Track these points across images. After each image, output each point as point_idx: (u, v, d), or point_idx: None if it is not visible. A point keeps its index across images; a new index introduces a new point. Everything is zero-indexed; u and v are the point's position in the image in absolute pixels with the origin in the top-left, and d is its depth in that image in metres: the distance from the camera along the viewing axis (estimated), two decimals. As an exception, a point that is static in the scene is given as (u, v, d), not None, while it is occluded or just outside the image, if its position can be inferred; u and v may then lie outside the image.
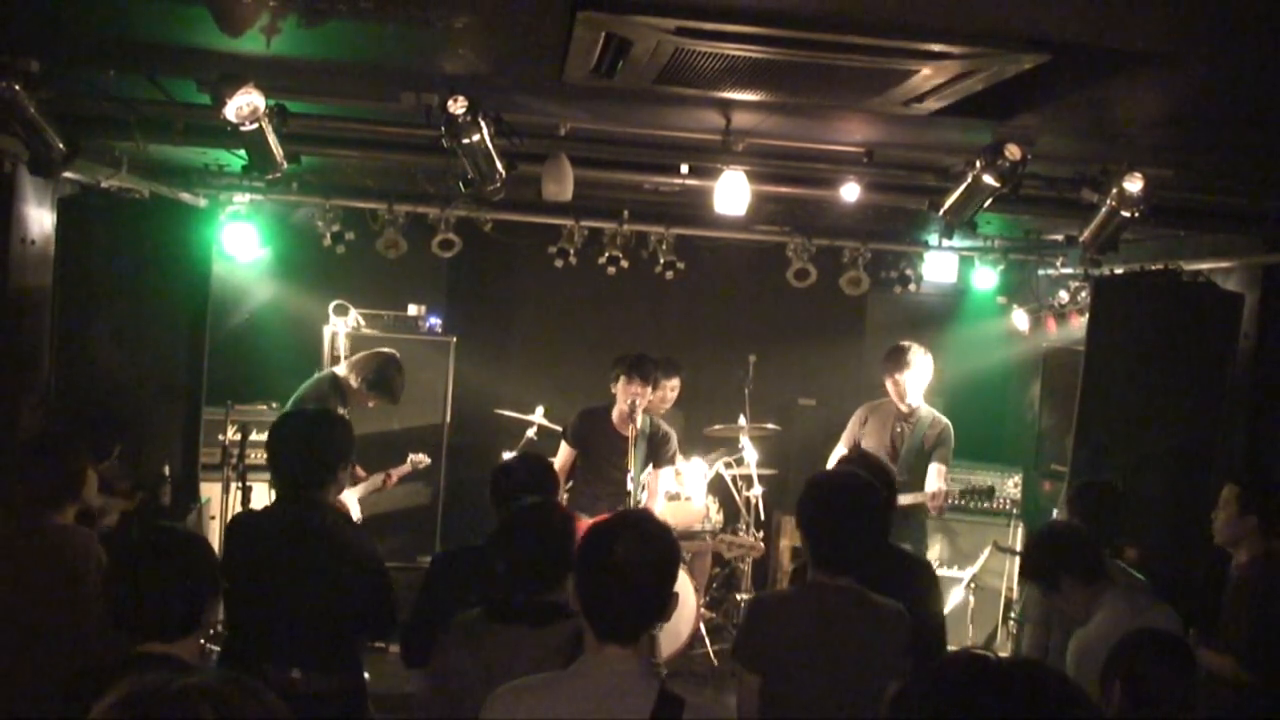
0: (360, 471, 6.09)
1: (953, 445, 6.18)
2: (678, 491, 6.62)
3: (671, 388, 6.52)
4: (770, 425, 6.95)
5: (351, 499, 5.88)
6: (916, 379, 6.01)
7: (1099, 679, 2.74)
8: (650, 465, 6.09)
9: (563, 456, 6.04)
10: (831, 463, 6.35)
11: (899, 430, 6.14)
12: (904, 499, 5.82)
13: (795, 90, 3.70)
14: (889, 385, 6.09)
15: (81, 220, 5.10)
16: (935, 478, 5.98)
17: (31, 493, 3.53)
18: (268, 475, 4.47)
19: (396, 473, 6.20)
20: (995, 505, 7.05)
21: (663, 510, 6.14)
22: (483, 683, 2.78)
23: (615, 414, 5.92)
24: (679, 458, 6.47)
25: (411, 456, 6.34)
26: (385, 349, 6.22)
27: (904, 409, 6.06)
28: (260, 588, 3.34)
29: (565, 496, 6.02)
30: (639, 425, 5.88)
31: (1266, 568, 3.87)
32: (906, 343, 6.10)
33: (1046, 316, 7.38)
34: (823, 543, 3.03)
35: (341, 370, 5.97)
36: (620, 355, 6.00)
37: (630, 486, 5.83)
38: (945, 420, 6.16)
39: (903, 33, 3.02)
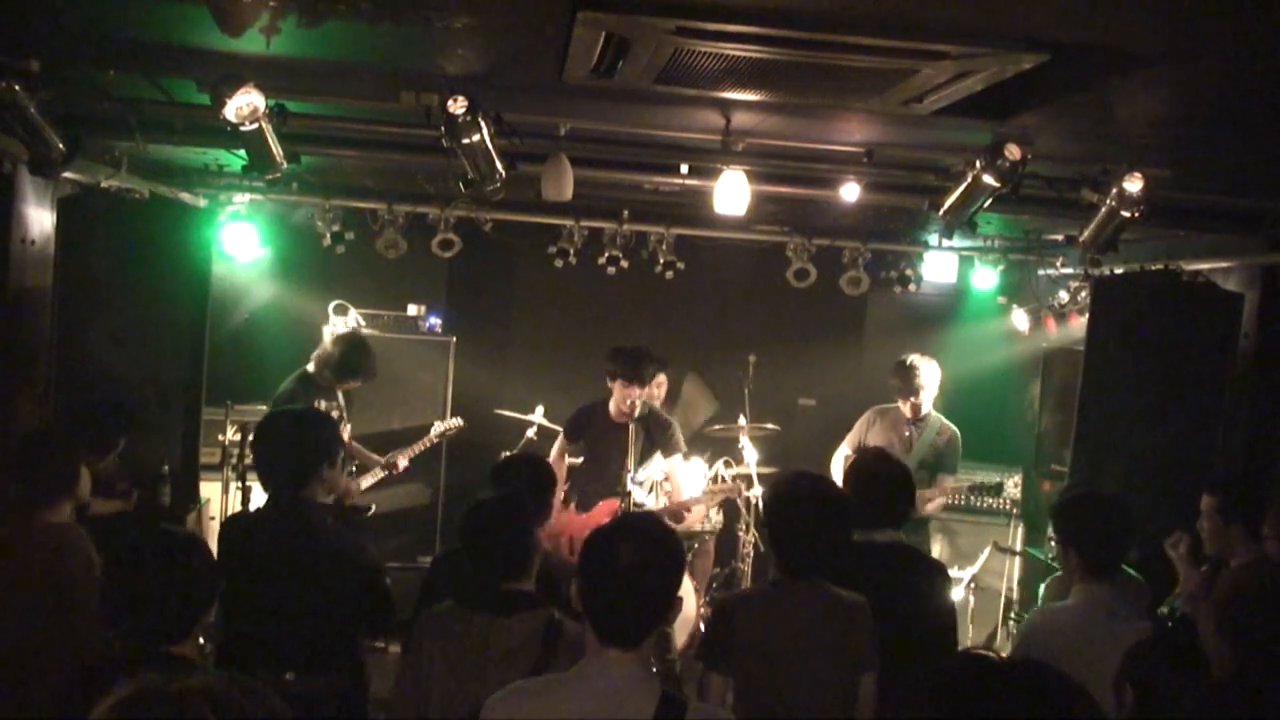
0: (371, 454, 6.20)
1: (960, 454, 6.19)
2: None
3: (658, 384, 6.53)
4: (770, 425, 6.95)
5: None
6: (929, 395, 6.08)
7: (1111, 682, 2.75)
8: (659, 457, 6.07)
9: (556, 448, 6.05)
10: (835, 464, 6.38)
11: (907, 435, 6.16)
12: (929, 505, 5.86)
13: (795, 90, 3.70)
14: (901, 404, 6.12)
15: (81, 220, 5.10)
16: (938, 486, 6.04)
17: (26, 491, 3.52)
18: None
19: (407, 453, 6.25)
20: (994, 503, 7.06)
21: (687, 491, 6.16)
22: (455, 670, 2.82)
23: (612, 407, 5.92)
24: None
25: (438, 425, 6.41)
26: (346, 331, 6.23)
27: (910, 415, 6.12)
28: (251, 590, 3.34)
29: (575, 494, 6.04)
30: (636, 412, 5.87)
31: (1260, 573, 3.81)
32: (911, 359, 6.11)
33: (1046, 316, 7.37)
34: (788, 548, 3.05)
35: (312, 366, 5.99)
36: (613, 350, 5.98)
37: (629, 484, 5.81)
38: (953, 428, 6.18)
39: (902, 33, 3.02)
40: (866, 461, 4.04)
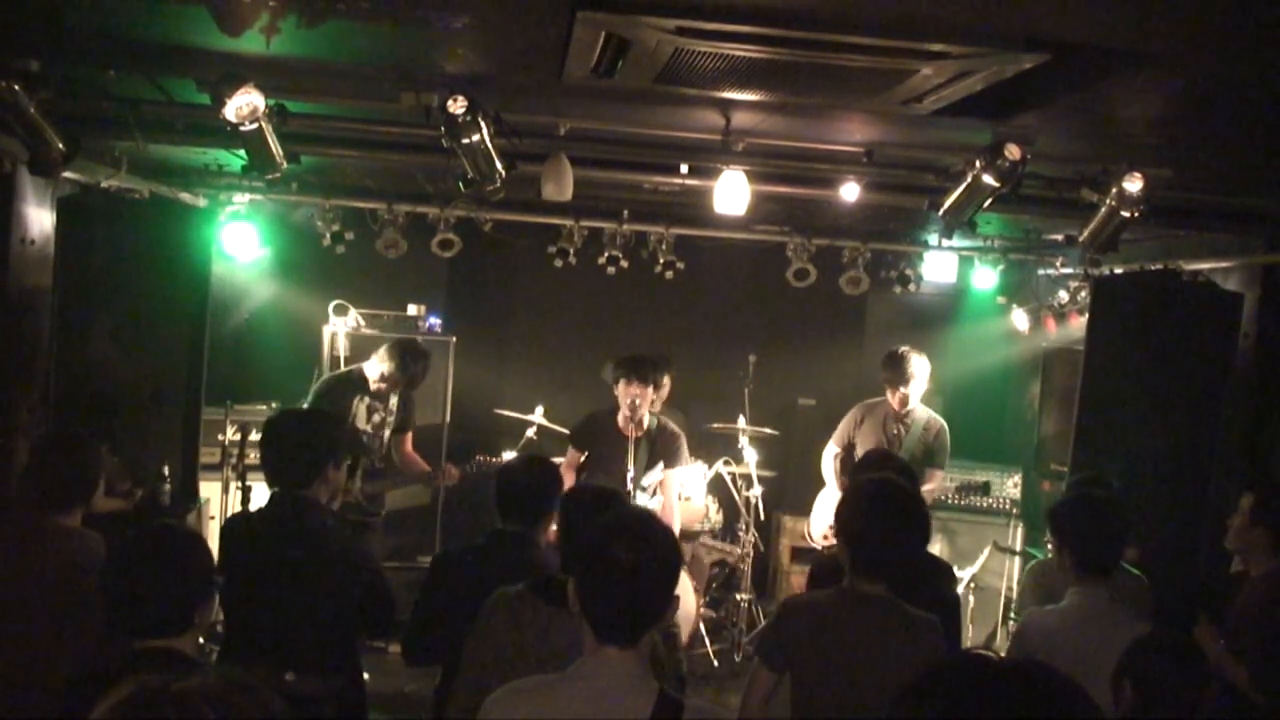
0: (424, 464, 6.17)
1: (949, 448, 6.18)
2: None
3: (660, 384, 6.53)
4: (769, 430, 6.95)
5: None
6: (918, 388, 6.06)
7: (1109, 680, 2.75)
8: (661, 467, 6.06)
9: (569, 459, 6.05)
10: (825, 461, 6.39)
11: (895, 431, 6.16)
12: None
13: (795, 90, 3.70)
14: (889, 395, 6.12)
15: (81, 220, 5.10)
16: (929, 482, 6.03)
17: (42, 493, 3.51)
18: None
19: (455, 470, 6.17)
20: (993, 503, 7.06)
21: (678, 515, 6.12)
22: (517, 657, 2.79)
23: (620, 417, 5.92)
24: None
25: (480, 457, 6.35)
26: (395, 342, 6.10)
27: (898, 409, 6.11)
28: (252, 589, 3.34)
29: None
30: (645, 426, 5.87)
31: (1268, 589, 3.80)
32: (903, 350, 6.11)
33: (1046, 316, 7.38)
34: (862, 549, 3.02)
35: (371, 372, 5.87)
36: (618, 359, 6.00)
37: (630, 487, 5.82)
38: (941, 421, 6.17)
39: (903, 32, 3.02)
40: (870, 461, 4.05)
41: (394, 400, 6.00)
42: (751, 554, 6.86)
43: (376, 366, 5.86)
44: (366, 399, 5.89)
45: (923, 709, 1.34)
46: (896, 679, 2.93)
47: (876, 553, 3.01)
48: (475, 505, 7.00)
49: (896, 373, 6.05)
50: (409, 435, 6.18)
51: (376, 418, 5.96)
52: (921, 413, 6.17)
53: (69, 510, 3.52)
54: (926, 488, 5.98)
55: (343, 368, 6.36)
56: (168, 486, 5.09)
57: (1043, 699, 1.32)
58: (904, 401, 6.07)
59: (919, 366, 6.05)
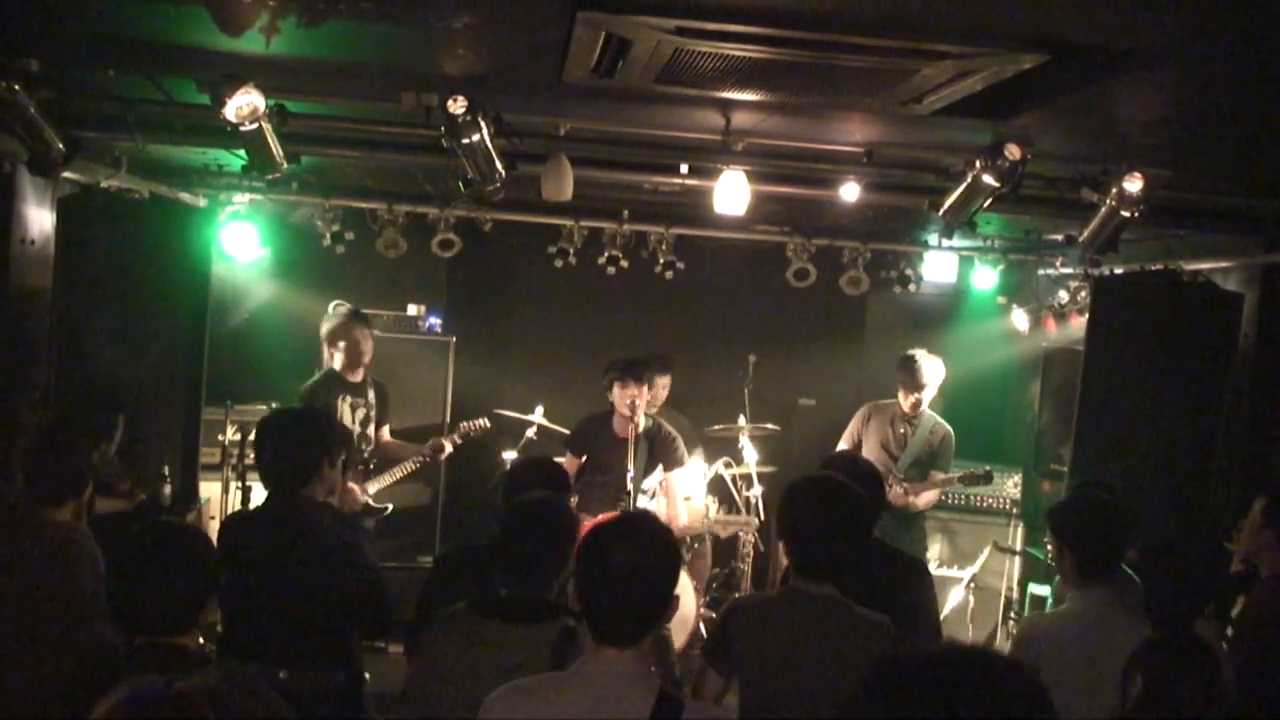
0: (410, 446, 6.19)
1: (953, 453, 6.18)
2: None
3: (663, 385, 6.53)
4: (770, 426, 6.95)
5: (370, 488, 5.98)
6: (930, 391, 6.07)
7: (1115, 681, 2.75)
8: (660, 469, 6.05)
9: (566, 463, 6.04)
10: None
11: (901, 432, 6.16)
12: (920, 499, 5.85)
13: (795, 90, 3.70)
14: (902, 397, 6.11)
15: (81, 220, 5.10)
16: (932, 485, 6.03)
17: (34, 490, 3.53)
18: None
19: (449, 439, 6.18)
20: (993, 503, 7.06)
21: (683, 513, 6.11)
22: (466, 677, 2.78)
23: (616, 419, 5.92)
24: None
25: (464, 424, 6.36)
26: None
27: (908, 411, 6.11)
28: (248, 587, 3.34)
29: (574, 495, 6.02)
30: (641, 427, 5.87)
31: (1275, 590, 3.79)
32: (918, 354, 6.10)
33: (1046, 316, 7.37)
34: (803, 549, 3.02)
35: (335, 363, 6.00)
36: (609, 362, 6.00)
37: (630, 488, 5.81)
38: (947, 426, 6.17)
39: (902, 32, 3.02)
40: (837, 466, 4.03)
41: (371, 394, 6.03)
42: (752, 554, 6.86)
43: (337, 345, 5.93)
44: (349, 397, 5.91)
45: (865, 707, 1.31)
46: (841, 680, 2.94)
47: (811, 551, 2.99)
48: (475, 505, 7.01)
49: (911, 377, 6.04)
50: (386, 427, 6.25)
51: (360, 414, 5.98)
52: (929, 416, 6.18)
53: (60, 505, 3.54)
54: (924, 492, 5.99)
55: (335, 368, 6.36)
56: (168, 487, 5.09)
57: (986, 692, 1.28)
58: (916, 405, 6.09)
59: (934, 372, 6.05)
